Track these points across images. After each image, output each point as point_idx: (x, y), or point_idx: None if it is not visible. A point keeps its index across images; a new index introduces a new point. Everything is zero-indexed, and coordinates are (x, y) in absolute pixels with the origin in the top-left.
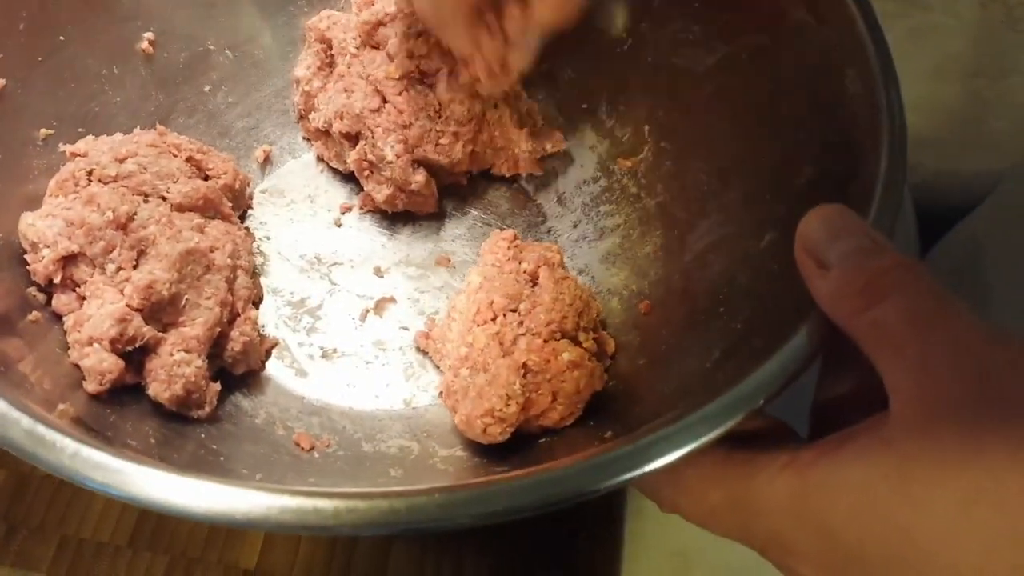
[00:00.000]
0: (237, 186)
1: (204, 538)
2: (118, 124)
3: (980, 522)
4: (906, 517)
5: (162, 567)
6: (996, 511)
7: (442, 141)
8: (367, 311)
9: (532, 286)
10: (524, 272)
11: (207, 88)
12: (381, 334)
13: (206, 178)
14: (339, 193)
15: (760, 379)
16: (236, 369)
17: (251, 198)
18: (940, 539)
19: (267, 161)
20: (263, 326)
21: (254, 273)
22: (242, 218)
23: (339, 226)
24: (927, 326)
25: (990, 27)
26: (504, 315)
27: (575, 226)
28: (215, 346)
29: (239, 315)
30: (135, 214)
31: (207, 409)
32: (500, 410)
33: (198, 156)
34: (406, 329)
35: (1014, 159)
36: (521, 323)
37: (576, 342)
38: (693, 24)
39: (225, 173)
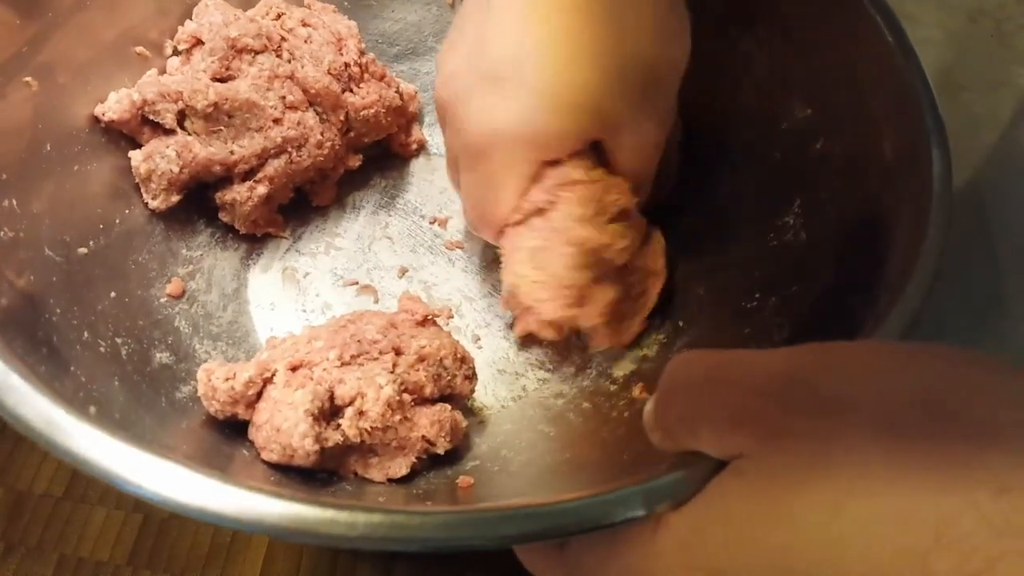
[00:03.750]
0: (381, 120)
1: (204, 555)
2: None
3: (851, 517)
4: (780, 537)
5: None
6: (864, 501)
7: None
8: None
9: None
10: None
11: None
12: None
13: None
14: None
15: None
16: (222, 213)
17: (416, 151)
18: (820, 548)
19: None
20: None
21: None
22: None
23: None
24: (725, 381)
25: (979, 41)
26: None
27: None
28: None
29: (252, 181)
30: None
31: None
32: None
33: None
34: None
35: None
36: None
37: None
38: None
39: (372, 107)
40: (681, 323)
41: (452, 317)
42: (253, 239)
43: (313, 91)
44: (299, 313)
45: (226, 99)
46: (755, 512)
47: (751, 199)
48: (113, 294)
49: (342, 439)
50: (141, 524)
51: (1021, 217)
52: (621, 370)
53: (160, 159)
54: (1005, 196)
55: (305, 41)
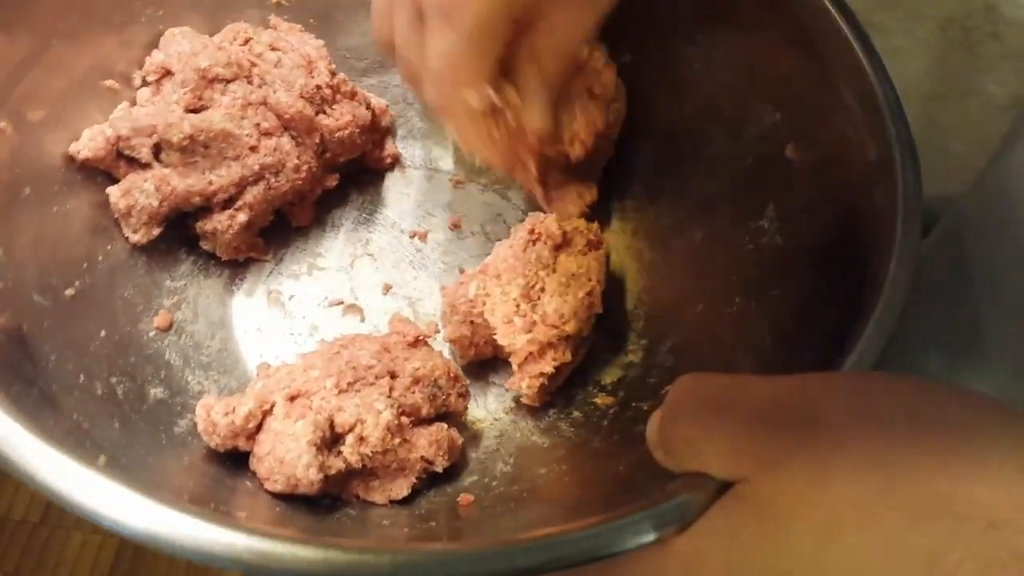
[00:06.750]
0: (355, 139)
1: None
2: None
3: (844, 545)
4: (777, 562)
5: None
6: (857, 531)
7: None
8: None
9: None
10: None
11: None
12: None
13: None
14: None
15: None
16: (203, 241)
17: (391, 165)
18: (811, 570)
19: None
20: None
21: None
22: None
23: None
24: (729, 407)
25: (949, 50)
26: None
27: None
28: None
29: (232, 208)
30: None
31: None
32: None
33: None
34: None
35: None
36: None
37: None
38: None
39: (346, 127)
40: (664, 328)
41: (439, 332)
42: (236, 264)
43: (287, 116)
44: (287, 336)
45: (201, 130)
46: (755, 537)
47: (726, 203)
48: (103, 332)
49: (344, 465)
50: (118, 548)
51: (1000, 250)
52: (609, 377)
53: (139, 194)
54: (983, 230)
55: (275, 66)
